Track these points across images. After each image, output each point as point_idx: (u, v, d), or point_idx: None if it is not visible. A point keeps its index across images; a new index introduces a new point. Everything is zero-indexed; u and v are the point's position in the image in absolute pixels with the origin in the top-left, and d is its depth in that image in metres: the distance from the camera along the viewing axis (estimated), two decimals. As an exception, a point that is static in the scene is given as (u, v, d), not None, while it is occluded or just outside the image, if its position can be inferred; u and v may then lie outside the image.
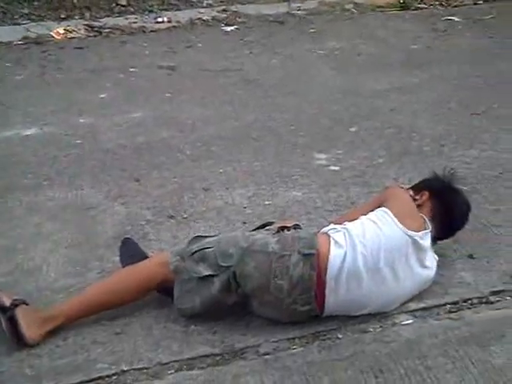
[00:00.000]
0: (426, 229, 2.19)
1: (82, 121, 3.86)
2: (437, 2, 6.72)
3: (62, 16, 5.95)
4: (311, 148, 3.40)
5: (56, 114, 3.95)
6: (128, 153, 3.42)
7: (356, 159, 3.26)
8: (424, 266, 2.17)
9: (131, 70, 4.78)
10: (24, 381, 1.88)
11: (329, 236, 2.09)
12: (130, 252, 2.36)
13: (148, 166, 3.26)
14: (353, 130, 3.63)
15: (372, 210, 2.23)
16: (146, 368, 1.92)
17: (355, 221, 2.18)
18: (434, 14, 6.35)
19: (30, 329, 1.98)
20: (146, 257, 2.31)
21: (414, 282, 2.15)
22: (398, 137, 3.53)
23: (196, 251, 2.09)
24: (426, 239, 2.18)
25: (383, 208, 2.20)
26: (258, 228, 2.28)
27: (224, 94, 4.24)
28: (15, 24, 5.82)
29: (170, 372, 1.91)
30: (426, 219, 2.23)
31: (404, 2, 6.61)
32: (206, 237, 2.19)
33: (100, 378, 1.89)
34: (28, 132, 3.75)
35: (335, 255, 2.03)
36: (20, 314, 1.98)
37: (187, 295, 2.08)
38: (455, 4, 6.67)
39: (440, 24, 6.01)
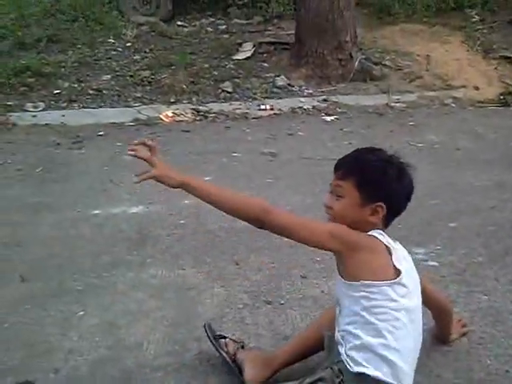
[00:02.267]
0: (390, 250, 1.98)
1: (186, 202, 3.96)
2: (539, 100, 6.69)
3: (172, 100, 6.29)
4: (409, 241, 3.35)
5: (162, 195, 4.09)
6: (228, 235, 3.51)
7: (455, 256, 3.23)
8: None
9: (234, 154, 4.94)
10: None
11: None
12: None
13: (247, 249, 3.33)
14: (452, 225, 3.61)
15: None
16: None
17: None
18: (535, 112, 6.32)
19: None
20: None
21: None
22: (498, 235, 3.46)
23: None
24: (399, 259, 1.98)
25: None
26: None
27: (323, 183, 4.25)
28: (127, 106, 6.20)
29: None
30: (378, 232, 2.01)
31: (504, 99, 6.62)
32: None
33: None
34: (134, 210, 3.92)
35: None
36: None
37: None
38: (558, 101, 6.62)
39: (541, 122, 5.96)
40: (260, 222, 1.93)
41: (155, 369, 2.36)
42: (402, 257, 2.01)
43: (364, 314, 1.92)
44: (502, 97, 6.64)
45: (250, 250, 3.33)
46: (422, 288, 2.09)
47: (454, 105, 6.53)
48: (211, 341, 2.38)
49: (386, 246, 1.97)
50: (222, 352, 2.33)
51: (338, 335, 1.99)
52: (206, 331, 2.42)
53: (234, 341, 2.39)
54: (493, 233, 3.51)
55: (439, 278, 2.99)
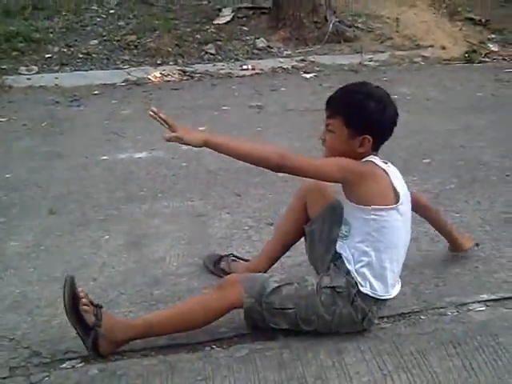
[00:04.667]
0: (388, 173, 2.23)
1: (185, 148, 4.27)
2: (500, 57, 7.22)
3: (158, 62, 6.64)
4: (389, 174, 3.81)
5: (162, 142, 4.26)
6: (228, 174, 3.89)
7: (430, 184, 3.66)
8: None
9: (224, 108, 5.31)
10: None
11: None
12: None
13: (246, 184, 3.73)
14: (426, 161, 4.05)
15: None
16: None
17: None
18: (497, 67, 6.87)
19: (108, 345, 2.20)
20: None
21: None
22: (467, 168, 3.91)
23: (277, 308, 2.22)
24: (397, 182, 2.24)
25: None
26: None
27: (308, 129, 4.68)
28: (117, 68, 6.54)
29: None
30: (372, 158, 2.24)
31: (469, 56, 7.11)
32: (285, 285, 2.25)
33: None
34: (139, 155, 4.29)
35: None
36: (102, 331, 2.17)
37: (261, 323, 2.28)
38: (517, 58, 7.16)
39: (503, 75, 6.47)
40: (278, 167, 2.13)
41: (180, 275, 2.74)
42: (396, 176, 2.29)
43: (374, 234, 2.20)
44: (466, 55, 7.16)
45: (248, 185, 3.72)
46: (414, 198, 2.42)
47: (422, 62, 7.01)
48: (212, 272, 2.73)
49: (384, 170, 2.22)
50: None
51: (348, 253, 2.27)
52: (205, 265, 2.77)
53: (226, 256, 2.76)
54: (462, 166, 3.96)
55: (417, 201, 3.41)
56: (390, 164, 2.29)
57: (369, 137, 2.21)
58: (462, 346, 2.21)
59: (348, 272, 2.25)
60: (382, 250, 2.23)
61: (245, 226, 3.21)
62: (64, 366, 2.19)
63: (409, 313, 2.43)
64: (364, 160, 2.23)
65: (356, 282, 2.24)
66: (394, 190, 2.22)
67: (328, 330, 2.27)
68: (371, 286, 2.24)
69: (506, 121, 4.90)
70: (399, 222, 2.25)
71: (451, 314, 2.42)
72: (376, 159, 2.25)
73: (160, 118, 2.21)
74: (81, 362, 2.20)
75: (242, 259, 2.79)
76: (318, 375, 2.10)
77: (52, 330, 2.37)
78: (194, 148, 4.13)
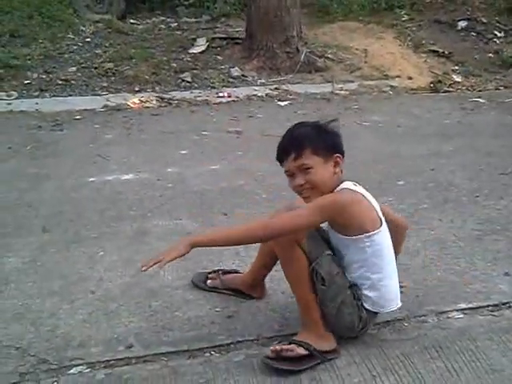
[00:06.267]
0: (365, 196, 2.34)
1: (169, 170, 4.53)
2: (464, 87, 7.58)
3: (136, 89, 6.81)
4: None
5: (146, 165, 4.63)
6: (213, 195, 4.06)
7: (405, 205, 3.88)
8: None
9: (203, 133, 5.48)
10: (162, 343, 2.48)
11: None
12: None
13: (231, 204, 3.89)
14: (400, 183, 4.27)
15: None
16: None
17: None
18: (461, 97, 7.20)
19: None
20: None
21: None
22: (438, 189, 4.14)
23: (320, 274, 2.30)
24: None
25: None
26: None
27: (287, 154, 4.90)
28: (96, 95, 6.68)
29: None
30: (346, 184, 2.34)
31: (434, 86, 7.46)
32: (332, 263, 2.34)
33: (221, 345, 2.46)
34: (126, 177, 4.43)
35: None
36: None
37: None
38: (479, 89, 7.55)
39: (467, 104, 6.80)
40: (266, 237, 2.32)
41: (175, 288, 2.88)
42: (368, 194, 2.42)
43: (371, 259, 2.34)
44: (431, 85, 7.53)
45: (233, 205, 3.88)
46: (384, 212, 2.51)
47: (391, 92, 7.32)
48: (204, 289, 2.89)
49: (360, 193, 2.32)
50: (220, 291, 2.86)
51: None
52: (194, 284, 2.93)
53: (214, 271, 2.94)
54: (434, 188, 4.19)
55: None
56: (357, 184, 2.39)
57: (338, 154, 2.35)
58: (444, 350, 2.40)
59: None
60: (379, 271, 2.37)
61: (233, 242, 3.36)
62: (71, 371, 2.32)
63: (393, 320, 2.61)
64: (339, 189, 2.33)
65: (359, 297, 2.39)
66: (375, 209, 2.35)
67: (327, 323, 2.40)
68: (373, 303, 2.40)
69: (473, 146, 5.17)
70: (388, 239, 2.40)
71: (432, 321, 2.62)
72: (348, 184, 2.35)
73: (153, 263, 2.27)
74: (87, 368, 2.34)
75: (232, 272, 2.96)
76: (312, 377, 2.26)
77: (56, 339, 2.50)
78: (176, 170, 4.40)
